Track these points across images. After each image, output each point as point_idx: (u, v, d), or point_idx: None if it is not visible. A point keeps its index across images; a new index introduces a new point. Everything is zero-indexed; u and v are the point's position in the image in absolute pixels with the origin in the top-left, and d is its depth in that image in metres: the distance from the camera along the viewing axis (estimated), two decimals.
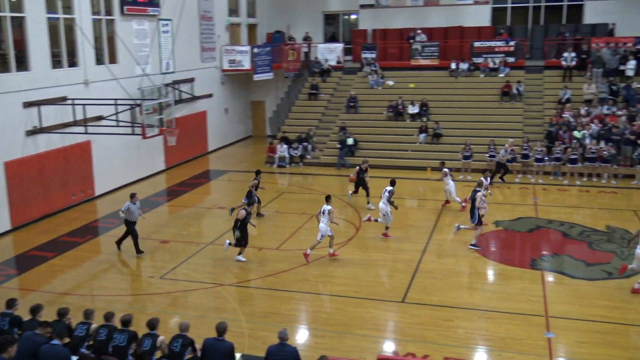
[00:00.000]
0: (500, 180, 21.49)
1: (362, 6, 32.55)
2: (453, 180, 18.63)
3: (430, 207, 19.36)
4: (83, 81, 19.71)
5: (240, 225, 14.31)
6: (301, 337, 11.14)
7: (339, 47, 30.86)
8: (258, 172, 18.73)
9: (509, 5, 30.98)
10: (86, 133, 18.72)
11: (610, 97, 24.54)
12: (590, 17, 29.48)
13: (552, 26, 29.65)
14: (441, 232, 16.57)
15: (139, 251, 15.07)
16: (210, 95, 27.97)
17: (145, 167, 23.32)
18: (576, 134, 22.46)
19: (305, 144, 25.35)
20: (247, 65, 28.57)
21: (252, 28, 32.37)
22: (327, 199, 14.96)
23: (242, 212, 14.41)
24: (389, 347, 10.72)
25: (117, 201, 20.14)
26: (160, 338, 8.72)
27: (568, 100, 24.96)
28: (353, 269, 14.10)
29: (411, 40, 29.68)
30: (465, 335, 11.03)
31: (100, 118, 19.48)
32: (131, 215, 14.94)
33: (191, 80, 26.10)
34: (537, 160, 21.89)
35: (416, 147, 24.91)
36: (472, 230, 15.45)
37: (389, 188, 16.18)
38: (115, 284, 13.72)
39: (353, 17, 33.82)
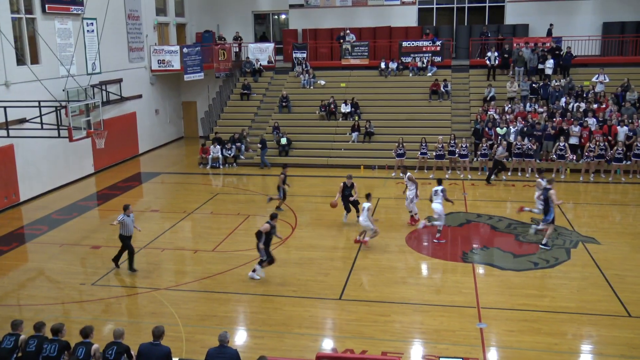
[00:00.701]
0: (494, 177, 21.71)
1: (292, 6, 32.63)
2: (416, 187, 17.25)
3: None
4: (3, 83, 18.89)
5: (265, 240, 13.23)
6: (240, 338, 11.09)
7: (269, 46, 30.82)
8: (285, 166, 19.05)
9: (435, 6, 31.81)
10: (8, 137, 17.91)
11: (532, 94, 25.62)
12: (511, 18, 30.66)
13: (475, 27, 30.66)
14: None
15: (132, 268, 13.96)
16: (139, 96, 27.36)
17: (73, 171, 22.56)
18: (499, 130, 23.29)
19: (238, 144, 25.19)
20: (176, 65, 28.10)
21: (180, 28, 31.86)
22: (367, 196, 15.37)
23: (266, 226, 13.14)
24: (327, 345, 10.83)
25: (43, 207, 19.46)
26: (95, 346, 8.49)
27: (493, 98, 25.86)
28: (290, 269, 14.13)
29: (341, 40, 30.00)
30: (402, 329, 11.28)
31: (23, 121, 18.71)
32: (126, 229, 13.80)
33: (119, 80, 25.44)
34: (461, 156, 22.58)
35: (349, 145, 25.22)
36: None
37: (440, 187, 16.08)
38: (45, 292, 13.21)
39: (283, 17, 33.86)
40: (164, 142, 30.10)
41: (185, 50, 28.00)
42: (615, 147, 21.63)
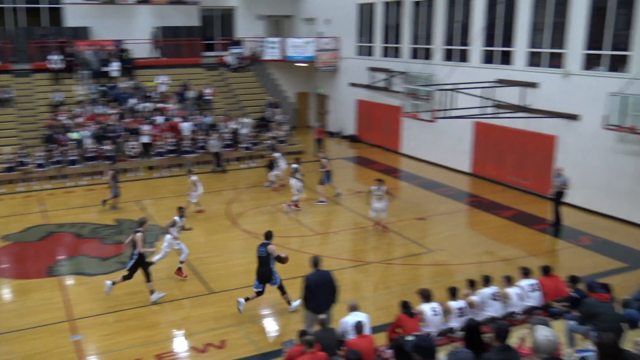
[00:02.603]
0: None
1: None
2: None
3: None
4: None
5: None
6: None
7: None
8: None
9: None
10: None
11: (102, 97, 25.76)
12: (71, 20, 29.96)
13: (34, 29, 29.05)
14: None
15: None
16: None
17: None
18: (73, 135, 22.83)
19: None
20: None
21: None
22: None
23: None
24: None
25: None
26: None
27: (62, 103, 25.07)
28: None
29: None
30: None
31: None
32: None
33: None
34: (39, 165, 21.45)
35: None
36: None
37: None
38: None
39: None
40: None
41: None
42: (183, 142, 23.59)
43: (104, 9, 30.08)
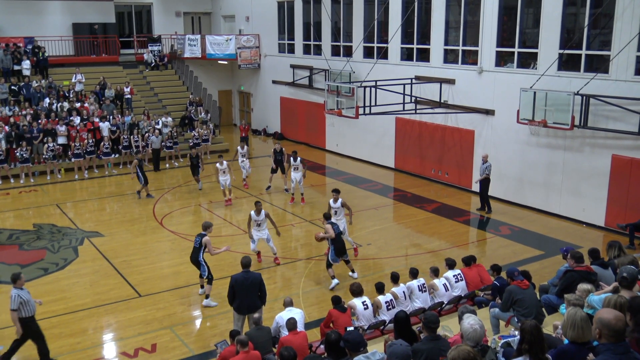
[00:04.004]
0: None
1: None
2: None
3: None
4: None
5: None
6: None
7: None
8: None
9: None
10: None
11: (13, 97, 24.53)
12: None
13: None
14: None
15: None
16: None
17: None
18: None
19: None
20: None
21: None
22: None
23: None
24: None
25: None
26: None
27: None
28: None
29: None
30: None
31: None
32: (27, 309, 9.88)
33: None
34: None
35: None
36: None
37: None
38: None
39: None
40: None
41: None
42: (103, 143, 22.89)
43: (13, 5, 28.66)
